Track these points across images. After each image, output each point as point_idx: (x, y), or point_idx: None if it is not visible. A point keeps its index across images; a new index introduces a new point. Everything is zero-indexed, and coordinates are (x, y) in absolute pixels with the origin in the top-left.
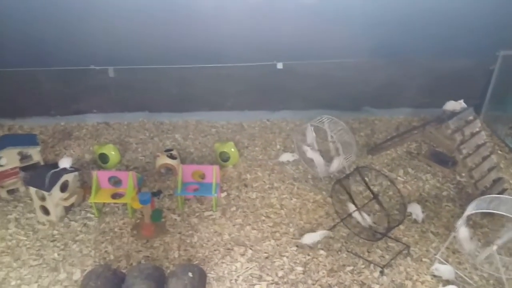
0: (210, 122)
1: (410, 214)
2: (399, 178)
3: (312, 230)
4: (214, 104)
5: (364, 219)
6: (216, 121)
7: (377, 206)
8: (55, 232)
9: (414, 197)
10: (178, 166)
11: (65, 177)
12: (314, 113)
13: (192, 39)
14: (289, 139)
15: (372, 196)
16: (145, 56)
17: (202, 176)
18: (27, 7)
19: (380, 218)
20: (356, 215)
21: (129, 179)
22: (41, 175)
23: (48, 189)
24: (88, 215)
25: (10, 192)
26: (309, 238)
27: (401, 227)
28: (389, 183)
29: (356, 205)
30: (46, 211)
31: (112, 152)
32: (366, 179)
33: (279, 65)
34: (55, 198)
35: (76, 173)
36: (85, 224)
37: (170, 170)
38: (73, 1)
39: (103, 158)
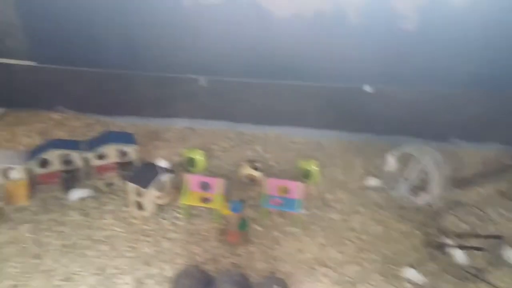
0: (289, 137)
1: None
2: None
3: (398, 261)
4: (294, 119)
5: (460, 256)
6: (294, 136)
7: (469, 244)
8: (148, 227)
9: (508, 240)
10: (261, 177)
11: (162, 177)
12: (397, 139)
13: (281, 55)
14: (370, 162)
15: (468, 234)
16: (235, 69)
17: (286, 191)
18: (131, 13)
19: (473, 258)
20: (452, 251)
21: (218, 185)
22: (141, 173)
23: (147, 187)
24: (177, 215)
25: (108, 185)
26: (411, 274)
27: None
28: (480, 222)
29: (452, 241)
30: (140, 207)
31: (199, 157)
32: (457, 215)
33: (367, 88)
34: (151, 196)
35: (172, 174)
36: (174, 224)
37: (252, 180)
38: (177, 14)
39: (191, 162)
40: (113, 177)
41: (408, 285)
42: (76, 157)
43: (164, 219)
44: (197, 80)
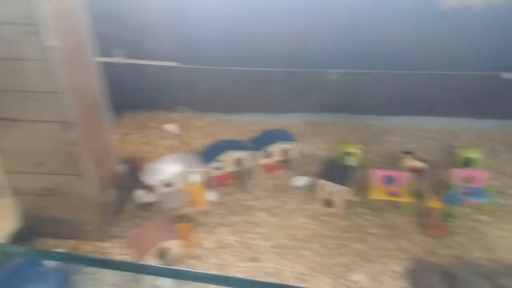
0: (419, 126)
1: None
2: None
3: None
4: (421, 108)
5: None
6: (424, 126)
7: None
8: (344, 224)
9: None
10: (425, 168)
11: (352, 173)
12: None
13: (413, 45)
14: None
15: None
16: (363, 60)
17: (471, 181)
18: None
19: None
20: None
21: (406, 179)
22: (330, 170)
23: (345, 184)
24: (361, 210)
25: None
26: None
27: None
28: None
29: None
30: (328, 204)
31: (357, 151)
32: None
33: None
34: (344, 192)
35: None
36: (366, 219)
37: (415, 172)
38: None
39: (347, 156)
40: (281, 175)
41: None
42: (246, 157)
43: (353, 214)
44: (324, 74)
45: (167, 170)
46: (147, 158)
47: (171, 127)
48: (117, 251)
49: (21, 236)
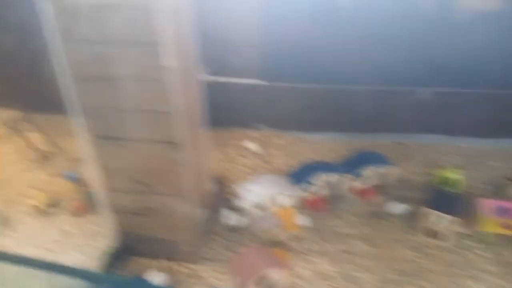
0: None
1: None
2: None
3: None
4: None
5: None
6: None
7: None
8: (453, 258)
9: None
10: None
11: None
12: None
13: None
14: None
15: None
16: (456, 79)
17: None
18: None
19: None
20: None
21: None
22: (439, 197)
23: (452, 213)
24: (471, 243)
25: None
26: None
27: None
28: None
29: None
30: (432, 235)
31: (459, 177)
32: None
33: None
34: (451, 223)
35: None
36: (478, 254)
37: None
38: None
39: (446, 181)
40: (373, 200)
41: None
42: (338, 180)
43: (462, 248)
44: (416, 92)
45: (259, 191)
46: (229, 177)
47: (251, 145)
48: (211, 274)
49: (117, 255)
